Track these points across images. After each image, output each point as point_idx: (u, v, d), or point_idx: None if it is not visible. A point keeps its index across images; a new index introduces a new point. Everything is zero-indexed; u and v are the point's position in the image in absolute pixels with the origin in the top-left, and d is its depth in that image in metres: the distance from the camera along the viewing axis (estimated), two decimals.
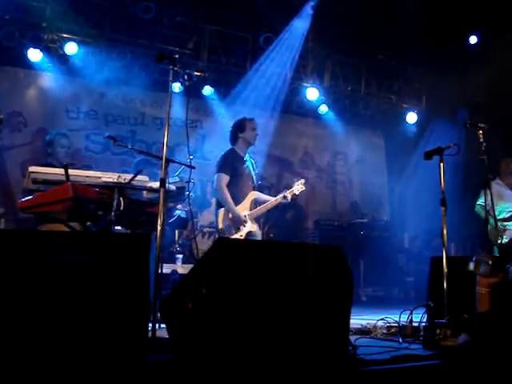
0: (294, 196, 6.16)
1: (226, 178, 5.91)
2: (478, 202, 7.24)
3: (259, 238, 6.07)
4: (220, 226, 5.88)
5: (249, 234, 5.91)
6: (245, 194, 5.98)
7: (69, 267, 2.78)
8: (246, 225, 5.85)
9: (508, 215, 7.05)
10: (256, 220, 6.08)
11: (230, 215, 5.84)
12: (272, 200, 6.02)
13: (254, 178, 6.20)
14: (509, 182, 7.14)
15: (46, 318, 2.67)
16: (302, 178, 6.31)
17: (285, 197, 5.99)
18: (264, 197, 6.19)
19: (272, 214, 8.49)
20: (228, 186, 5.92)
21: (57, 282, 2.73)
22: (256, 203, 6.05)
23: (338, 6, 8.52)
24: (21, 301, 2.65)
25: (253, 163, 6.26)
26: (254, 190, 6.10)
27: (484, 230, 7.22)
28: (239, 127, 6.13)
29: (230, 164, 5.98)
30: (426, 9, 8.93)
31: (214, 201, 8.26)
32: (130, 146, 5.11)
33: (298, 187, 6.12)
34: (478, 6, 9.10)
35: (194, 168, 4.91)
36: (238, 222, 5.83)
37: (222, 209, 5.92)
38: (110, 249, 2.93)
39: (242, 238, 5.79)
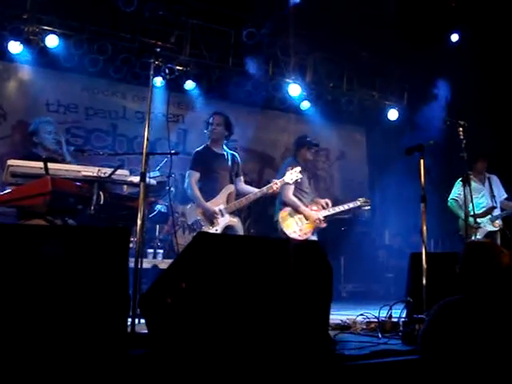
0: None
1: (195, 175, 5.98)
2: (450, 197, 7.39)
3: (240, 232, 6.07)
4: (189, 222, 5.92)
5: (227, 228, 5.91)
6: (220, 188, 5.97)
7: (47, 261, 2.76)
8: (221, 218, 5.84)
9: (481, 211, 7.18)
10: (237, 213, 6.07)
11: (200, 210, 5.86)
12: (256, 191, 5.97)
13: (235, 171, 6.19)
14: (479, 178, 7.37)
15: (23, 312, 2.65)
16: (297, 165, 6.28)
17: (272, 187, 5.89)
18: (248, 189, 6.17)
19: (253, 210, 8.50)
20: (201, 181, 5.98)
21: (35, 276, 2.71)
22: (237, 196, 6.05)
23: (321, 2, 8.52)
24: None
25: (235, 157, 6.26)
26: (232, 183, 6.09)
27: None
28: (206, 125, 6.16)
29: (201, 161, 6.02)
30: (409, 6, 8.98)
31: None
32: (101, 152, 5.08)
33: (292, 176, 5.99)
34: (459, 4, 9.16)
35: (177, 154, 4.89)
36: (209, 216, 5.83)
37: (190, 204, 5.97)
38: (88, 242, 2.91)
39: (218, 232, 5.79)
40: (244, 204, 6.00)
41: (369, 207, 6.95)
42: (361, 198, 6.91)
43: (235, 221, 5.99)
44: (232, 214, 5.96)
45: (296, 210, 6.52)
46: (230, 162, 6.13)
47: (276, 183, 5.91)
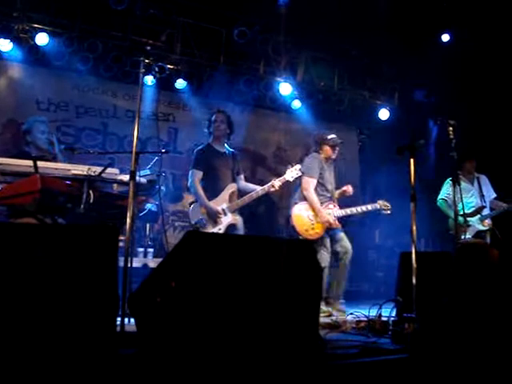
0: (287, 183, 6.11)
1: (198, 174, 5.98)
2: (440, 197, 7.44)
3: (242, 230, 6.08)
4: (193, 221, 5.91)
5: (230, 226, 5.91)
6: (223, 187, 5.97)
7: (36, 259, 2.74)
8: (224, 217, 5.85)
9: (471, 210, 7.23)
10: (240, 212, 6.06)
11: (204, 209, 5.86)
12: (258, 190, 5.96)
13: (237, 170, 6.20)
14: (469, 178, 7.42)
15: (12, 311, 2.64)
16: (296, 163, 6.26)
17: (273, 185, 5.89)
18: (249, 186, 6.16)
19: (245, 208, 8.49)
20: (204, 180, 5.99)
21: (24, 274, 2.69)
22: (240, 194, 6.05)
23: (312, 2, 8.52)
24: None
25: (236, 155, 6.27)
26: (234, 182, 6.09)
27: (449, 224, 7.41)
28: (208, 123, 6.17)
29: (204, 159, 6.03)
30: (400, 6, 8.99)
31: (185, 196, 8.25)
32: (91, 151, 5.09)
33: (292, 173, 6.00)
34: (451, 5, 9.19)
35: (167, 153, 4.88)
36: (212, 215, 5.83)
37: (194, 204, 5.97)
38: (78, 241, 2.89)
39: (221, 231, 5.79)
40: (247, 202, 5.99)
41: (389, 212, 6.63)
42: (380, 200, 6.65)
43: (237, 219, 6.00)
44: (234, 212, 5.96)
45: (311, 207, 6.42)
46: (231, 160, 6.14)
47: (273, 184, 5.90)
